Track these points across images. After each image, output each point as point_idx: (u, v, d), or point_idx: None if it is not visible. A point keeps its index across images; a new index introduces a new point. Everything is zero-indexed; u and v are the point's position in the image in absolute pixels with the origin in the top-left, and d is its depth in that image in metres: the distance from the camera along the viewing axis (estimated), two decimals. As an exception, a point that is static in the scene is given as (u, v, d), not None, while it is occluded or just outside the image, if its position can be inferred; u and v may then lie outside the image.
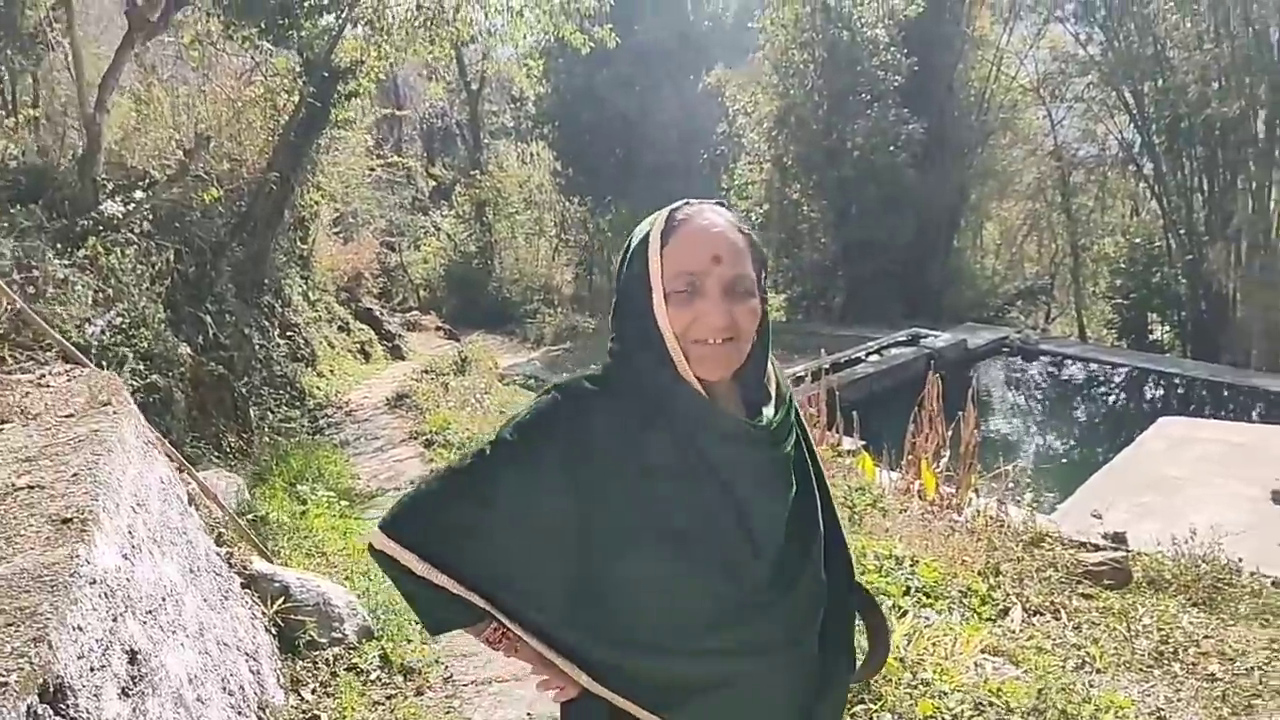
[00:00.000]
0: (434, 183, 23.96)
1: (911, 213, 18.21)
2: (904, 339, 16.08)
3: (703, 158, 21.80)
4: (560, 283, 22.85)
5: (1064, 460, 14.36)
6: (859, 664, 1.68)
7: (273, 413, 9.04)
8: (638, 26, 18.59)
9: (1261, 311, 16.51)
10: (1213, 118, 16.34)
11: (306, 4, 10.11)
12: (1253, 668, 4.22)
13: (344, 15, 10.48)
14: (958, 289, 20.40)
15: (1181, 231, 18.17)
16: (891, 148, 17.38)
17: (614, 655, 1.46)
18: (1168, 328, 19.24)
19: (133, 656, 2.24)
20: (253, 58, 10.67)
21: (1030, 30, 19.84)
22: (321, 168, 12.07)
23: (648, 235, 1.45)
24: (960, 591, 4.87)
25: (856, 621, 1.69)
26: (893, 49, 17.37)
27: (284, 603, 3.88)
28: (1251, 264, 16.81)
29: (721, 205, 1.50)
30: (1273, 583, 5.79)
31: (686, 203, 1.49)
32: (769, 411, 1.50)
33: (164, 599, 2.61)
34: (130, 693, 2.17)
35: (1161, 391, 16.08)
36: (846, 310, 18.74)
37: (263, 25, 9.95)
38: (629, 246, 1.50)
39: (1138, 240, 19.50)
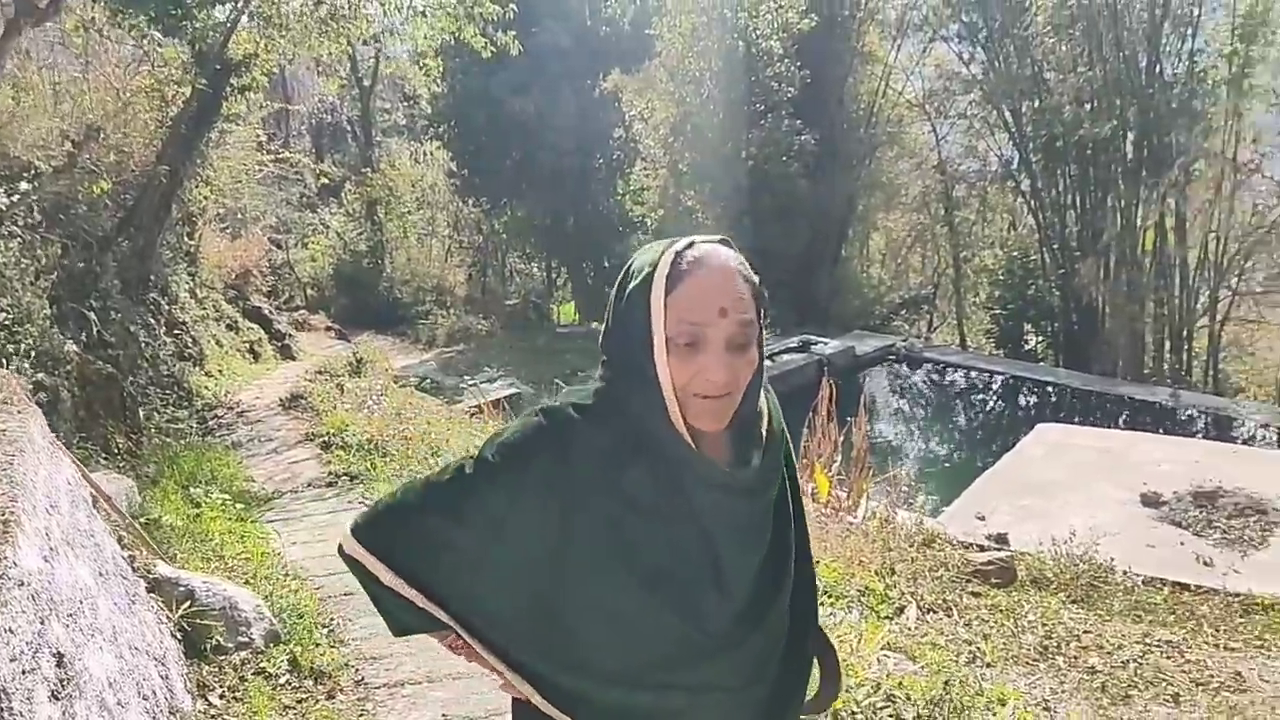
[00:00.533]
0: (323, 180, 23.52)
1: (803, 222, 18.63)
2: (795, 345, 16.43)
3: (599, 162, 21.90)
4: (453, 284, 22.65)
5: (945, 464, 14.90)
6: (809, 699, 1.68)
7: (159, 413, 8.78)
8: (535, 29, 18.55)
9: (1128, 323, 17.38)
10: (1085, 137, 17.12)
11: (199, -6, 9.88)
12: (1128, 660, 4.49)
13: (238, 7, 10.25)
14: (846, 297, 20.94)
15: (1055, 246, 19.00)
16: (784, 158, 17.76)
17: (573, 682, 1.47)
18: (1042, 338, 20.06)
19: (60, 659, 2.22)
20: (140, 47, 10.34)
21: (916, 48, 20.48)
22: (211, 162, 11.77)
23: (651, 275, 1.39)
24: (859, 591, 5.06)
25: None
26: (786, 61, 17.74)
27: (189, 607, 3.82)
28: (1119, 278, 17.66)
29: (726, 245, 1.46)
30: (1143, 581, 6.15)
31: (691, 242, 1.43)
32: (757, 459, 1.48)
33: (81, 602, 2.57)
34: (59, 696, 2.15)
35: (1036, 399, 16.78)
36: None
37: (152, 14, 9.66)
38: (628, 275, 1.45)
39: (1015, 253, 20.34)
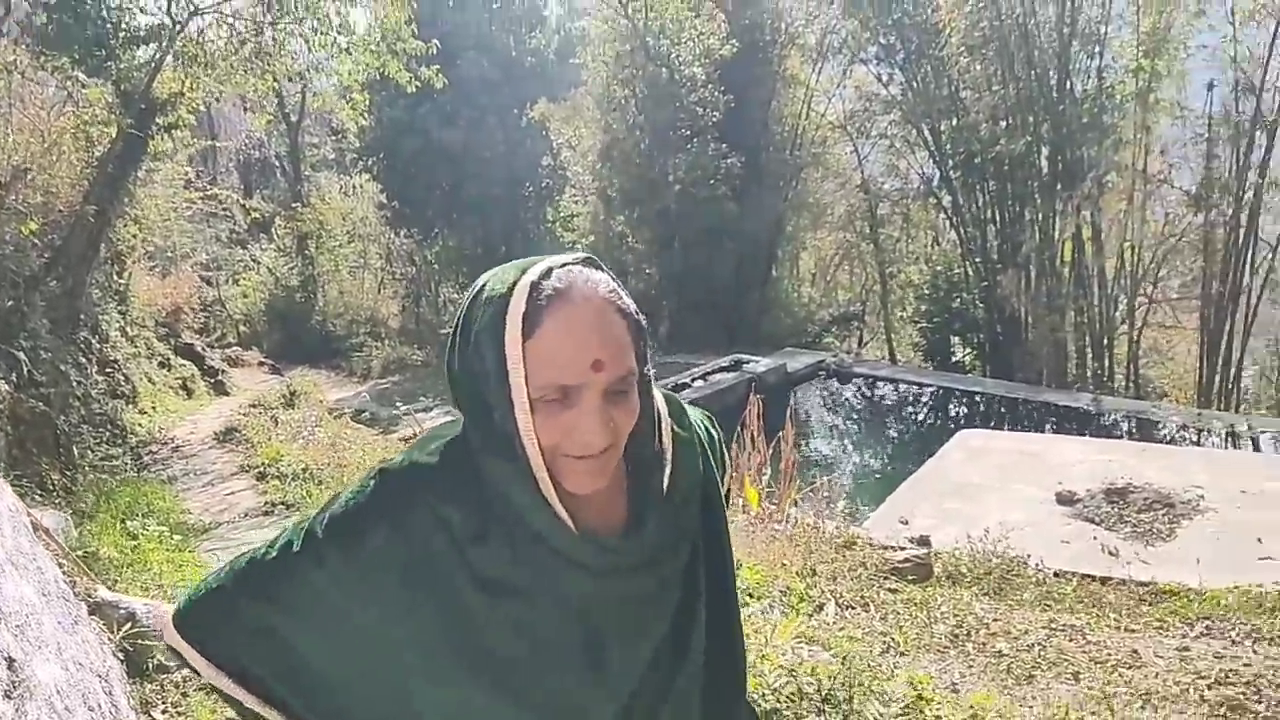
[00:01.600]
0: (253, 216, 23.44)
1: (732, 243, 18.97)
2: (727, 365, 16.70)
3: (528, 190, 22.11)
4: (386, 315, 22.65)
5: (878, 476, 15.22)
6: None
7: (93, 450, 8.76)
8: (460, 61, 18.76)
9: (1049, 333, 17.89)
10: (1002, 153, 17.66)
11: (122, 35, 9.92)
12: (1033, 644, 4.73)
13: (162, 47, 10.30)
14: (777, 316, 21.29)
15: (978, 260, 19.53)
16: (711, 181, 18.09)
17: None
18: (969, 349, 20.56)
19: (10, 663, 2.33)
20: (64, 89, 10.35)
21: (837, 70, 20.98)
22: (139, 201, 11.76)
23: (503, 314, 1.13)
24: (780, 591, 5.25)
25: None
26: (709, 86, 18.11)
27: (131, 628, 3.90)
28: (1040, 289, 18.19)
29: (593, 266, 1.21)
30: (1054, 573, 6.44)
31: (549, 269, 1.17)
32: (652, 522, 1.24)
33: (28, 615, 2.68)
34: (12, 695, 2.26)
35: (965, 409, 17.20)
36: (672, 338, 19.30)
37: (76, 56, 9.69)
38: (474, 307, 1.18)
39: (939, 268, 20.87)
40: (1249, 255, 16.96)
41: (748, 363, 16.87)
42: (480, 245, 22.19)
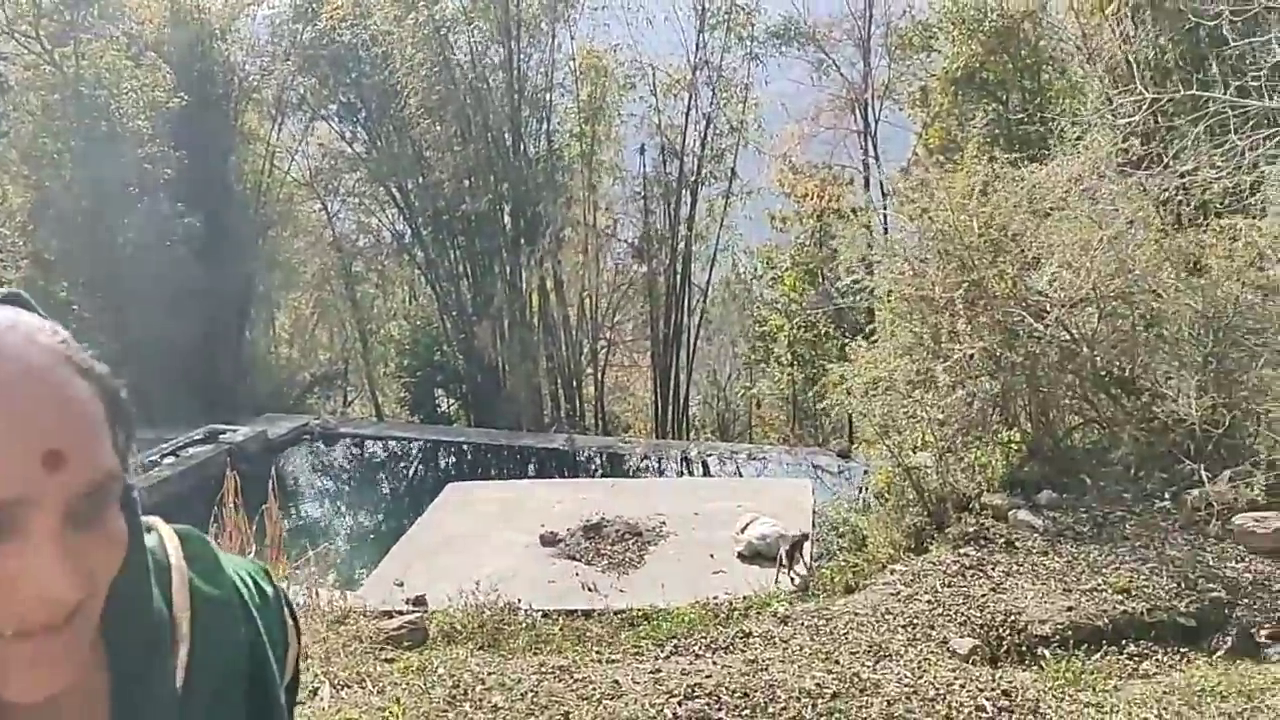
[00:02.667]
0: None
1: (198, 307, 17.80)
2: (201, 436, 15.63)
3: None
4: None
5: (372, 536, 15.05)
6: None
7: None
8: None
9: (525, 379, 18.87)
10: (468, 211, 18.40)
11: None
12: (525, 692, 4.92)
13: None
14: (255, 380, 20.31)
15: (454, 313, 20.10)
16: (168, 241, 16.88)
17: None
18: (453, 400, 21.08)
19: None
20: None
21: (298, 127, 20.58)
22: None
23: None
24: (270, 683, 4.98)
25: None
26: (159, 140, 16.92)
27: None
28: (513, 339, 19.13)
29: (21, 304, 0.83)
30: (542, 615, 6.76)
31: None
32: None
33: None
34: None
35: (454, 459, 17.59)
36: (138, 412, 17.64)
37: None
38: None
39: (419, 322, 21.21)
40: (685, 299, 19.18)
41: (224, 433, 15.91)
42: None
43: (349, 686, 5.10)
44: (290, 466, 17.07)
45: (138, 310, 16.86)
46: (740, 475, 14.58)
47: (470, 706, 4.81)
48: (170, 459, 14.48)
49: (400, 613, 6.52)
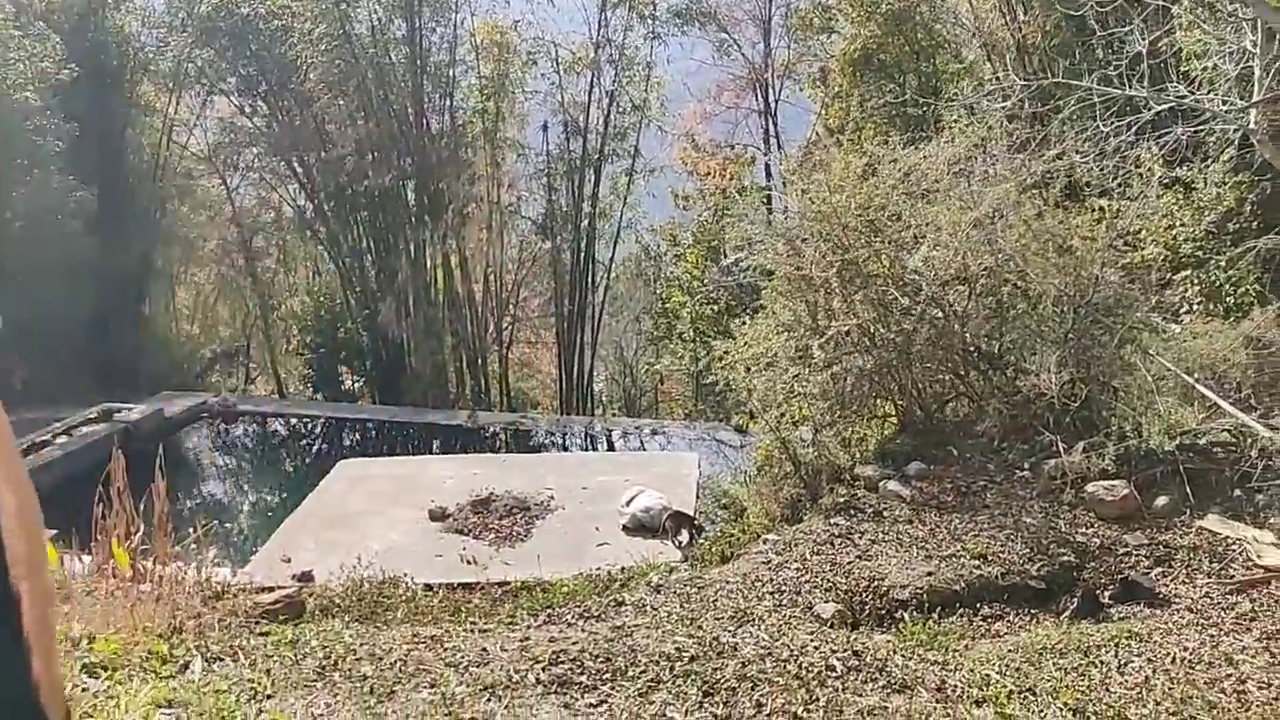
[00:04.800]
0: None
1: (91, 282, 17.42)
2: (95, 415, 15.34)
3: None
4: None
5: (271, 514, 14.97)
6: None
7: None
8: None
9: (430, 356, 18.87)
10: (371, 187, 18.25)
11: None
12: (395, 661, 5.05)
13: None
14: (153, 357, 19.95)
15: (358, 289, 19.97)
16: (60, 216, 16.48)
17: None
18: (358, 377, 20.96)
19: None
20: None
21: (197, 100, 20.18)
22: None
23: None
24: (142, 657, 5.03)
25: None
26: (49, 113, 16.47)
27: None
28: (418, 316, 19.11)
29: None
30: (425, 587, 6.89)
31: None
32: None
33: None
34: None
35: (357, 436, 17.53)
36: (30, 391, 17.25)
37: None
38: None
39: (321, 299, 20.99)
40: (590, 276, 19.32)
41: (119, 411, 15.63)
42: None
43: (221, 660, 5.16)
44: (190, 445, 16.89)
45: (28, 287, 16.44)
46: (644, 449, 14.85)
47: (340, 676, 4.91)
48: (62, 438, 14.21)
49: (280, 588, 6.59)
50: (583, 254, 19.00)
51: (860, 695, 4.87)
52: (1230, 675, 5.35)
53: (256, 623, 5.79)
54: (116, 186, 18.23)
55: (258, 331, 22.45)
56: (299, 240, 21.46)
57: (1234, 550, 6.77)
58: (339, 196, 19.04)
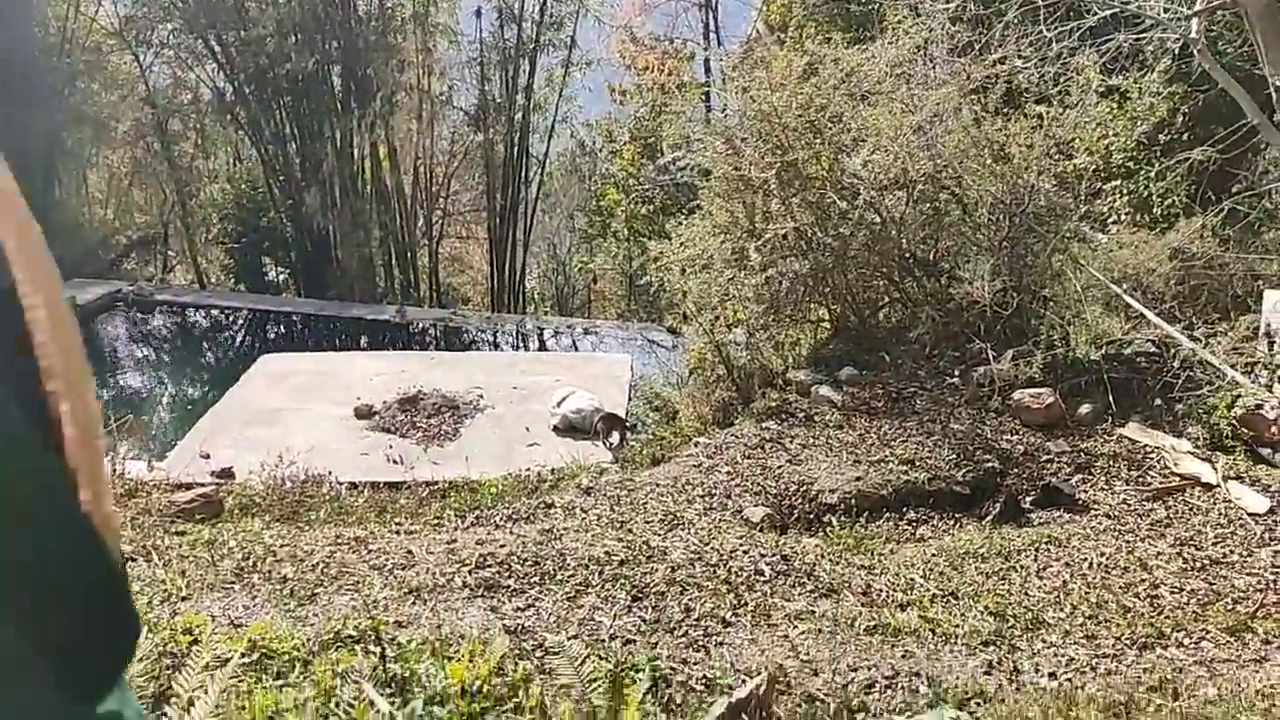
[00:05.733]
0: None
1: (-5, 163, 16.60)
2: (2, 302, 14.75)
3: None
4: None
5: (190, 407, 14.63)
6: None
7: None
8: None
9: (356, 249, 18.39)
10: (294, 70, 17.47)
11: None
12: (317, 563, 4.94)
13: None
14: (66, 242, 19.14)
15: (282, 178, 19.23)
16: (-42, 91, 15.60)
17: None
18: (282, 269, 20.36)
19: None
20: None
21: (100, -31, 19.02)
22: None
23: None
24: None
25: None
26: (-58, -21, 15.47)
27: None
28: (344, 207, 18.55)
29: None
30: (349, 486, 6.75)
31: None
32: None
33: None
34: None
35: (282, 329, 17.11)
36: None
37: None
38: None
39: (244, 186, 20.22)
40: (524, 170, 18.87)
41: (27, 298, 15.03)
42: None
43: (133, 560, 5.01)
44: (105, 334, 16.35)
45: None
46: (576, 349, 14.73)
47: (259, 579, 4.80)
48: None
49: (197, 485, 6.41)
50: (516, 148, 18.50)
51: (788, 599, 4.89)
52: (1144, 580, 5.49)
53: (172, 521, 5.63)
54: (20, 60, 17.21)
55: (176, 219, 21.60)
56: (218, 124, 20.53)
57: (1152, 458, 6.92)
58: (260, 79, 18.18)
